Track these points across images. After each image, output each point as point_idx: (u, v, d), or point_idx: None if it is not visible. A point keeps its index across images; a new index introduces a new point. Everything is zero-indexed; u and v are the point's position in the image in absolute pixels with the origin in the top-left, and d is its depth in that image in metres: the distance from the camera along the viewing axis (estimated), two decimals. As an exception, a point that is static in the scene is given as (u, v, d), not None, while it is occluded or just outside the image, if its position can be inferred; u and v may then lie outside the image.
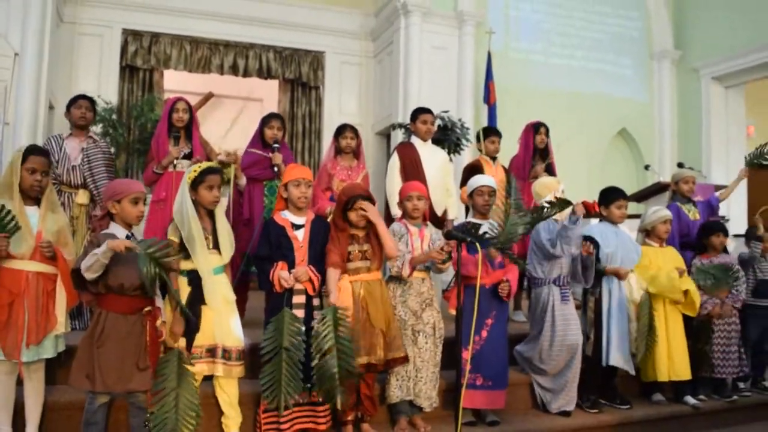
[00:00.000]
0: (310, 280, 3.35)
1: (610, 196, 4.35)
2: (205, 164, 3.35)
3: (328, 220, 3.68)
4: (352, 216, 3.45)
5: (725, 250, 4.83)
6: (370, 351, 3.37)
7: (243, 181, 4.54)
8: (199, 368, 3.18)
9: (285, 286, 3.31)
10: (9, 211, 2.94)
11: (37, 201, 3.16)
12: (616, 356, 4.14)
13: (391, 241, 3.50)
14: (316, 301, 3.42)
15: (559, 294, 3.99)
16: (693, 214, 5.20)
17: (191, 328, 3.17)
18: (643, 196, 6.58)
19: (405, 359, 3.51)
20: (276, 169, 4.49)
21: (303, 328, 3.31)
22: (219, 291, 3.26)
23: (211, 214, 3.34)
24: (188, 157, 4.40)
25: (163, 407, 2.96)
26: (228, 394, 3.31)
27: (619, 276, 4.22)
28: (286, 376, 3.19)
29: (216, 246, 3.29)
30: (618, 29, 9.12)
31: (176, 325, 3.12)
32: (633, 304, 4.26)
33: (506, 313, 4.02)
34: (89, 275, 2.81)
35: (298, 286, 3.35)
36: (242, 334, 3.36)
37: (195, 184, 3.25)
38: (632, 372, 4.21)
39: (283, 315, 3.25)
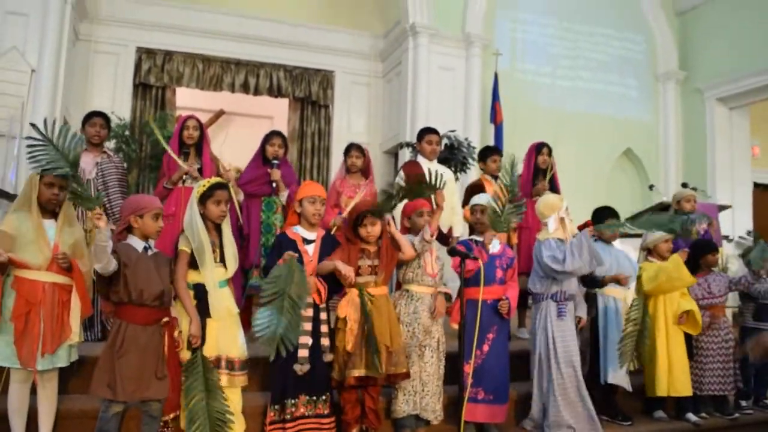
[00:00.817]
0: (318, 291, 3.42)
1: (600, 215, 4.40)
2: (214, 180, 3.46)
3: (332, 231, 3.77)
4: (362, 232, 3.55)
5: (724, 270, 4.89)
6: (370, 364, 3.42)
7: (240, 196, 4.65)
8: None
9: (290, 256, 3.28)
10: None
11: (54, 214, 3.24)
12: (615, 374, 4.18)
13: (408, 244, 3.62)
14: (323, 315, 3.50)
15: (556, 309, 3.99)
16: (694, 233, 5.26)
17: (194, 359, 3.24)
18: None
19: (406, 375, 3.58)
20: (274, 185, 4.61)
21: (310, 340, 3.39)
22: (223, 303, 3.35)
23: (218, 229, 3.43)
24: (199, 173, 4.50)
25: (195, 408, 3.09)
26: (231, 402, 3.37)
27: (620, 282, 4.23)
28: (286, 322, 3.00)
29: (222, 260, 3.39)
30: (623, 51, 9.23)
31: (194, 327, 3.20)
32: (631, 322, 4.31)
33: (508, 329, 4.07)
34: (95, 264, 2.92)
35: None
36: (245, 346, 3.44)
37: (203, 199, 3.33)
38: (629, 389, 4.25)
39: (293, 262, 3.20)
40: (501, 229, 3.87)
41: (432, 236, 3.68)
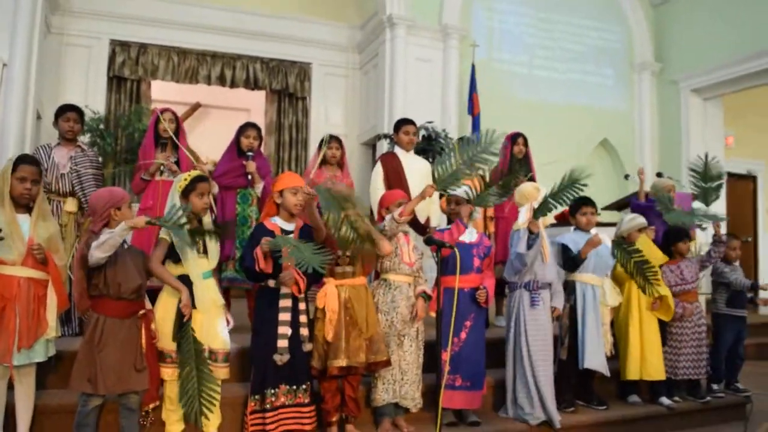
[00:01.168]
0: (296, 283, 3.43)
1: (576, 203, 4.46)
2: (194, 172, 3.47)
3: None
4: (324, 216, 3.56)
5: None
6: (352, 354, 3.46)
7: (215, 189, 4.62)
8: None
9: (264, 249, 3.31)
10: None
11: (28, 209, 3.22)
12: (592, 359, 4.24)
13: (384, 241, 3.62)
14: (302, 305, 3.51)
15: (529, 298, 4.06)
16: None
17: (185, 331, 3.26)
18: (622, 204, 6.71)
19: (387, 363, 3.61)
20: (249, 177, 4.59)
21: (290, 331, 3.40)
22: (208, 295, 3.37)
23: (199, 221, 3.43)
24: (176, 165, 4.49)
25: (187, 379, 3.19)
26: None
27: (593, 244, 4.26)
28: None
29: (205, 251, 3.40)
30: (599, 42, 9.31)
31: (184, 296, 3.23)
32: (607, 309, 4.38)
33: (485, 316, 4.13)
34: (98, 254, 2.91)
35: (284, 290, 3.44)
36: (228, 338, 3.45)
37: (186, 192, 3.35)
38: (607, 374, 4.33)
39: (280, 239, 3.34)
40: (483, 204, 3.98)
41: (401, 217, 3.67)
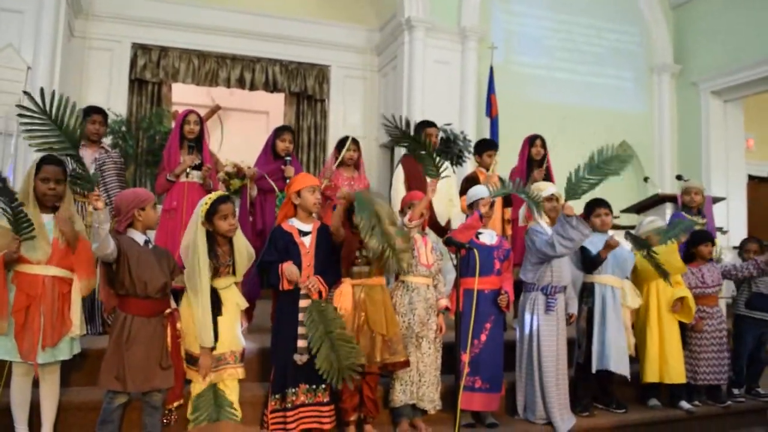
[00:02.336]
0: (319, 292, 3.47)
1: (590, 206, 4.48)
2: (214, 195, 3.43)
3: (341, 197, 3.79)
4: (356, 219, 3.57)
5: (718, 260, 4.94)
6: (365, 353, 3.47)
7: (254, 192, 4.67)
8: (218, 375, 3.36)
9: (291, 280, 3.42)
10: (26, 216, 3.03)
11: (53, 209, 3.27)
12: (618, 363, 4.20)
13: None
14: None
15: (544, 303, 4.04)
16: (700, 226, 5.31)
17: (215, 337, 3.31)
18: (642, 207, 6.66)
19: (406, 363, 3.62)
20: (288, 181, 4.61)
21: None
22: (233, 299, 3.46)
23: (230, 240, 3.45)
24: (199, 167, 4.53)
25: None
26: (230, 389, 3.43)
27: (611, 245, 4.22)
28: (341, 355, 3.29)
29: (233, 271, 3.46)
30: (618, 44, 9.27)
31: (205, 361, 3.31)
32: (628, 310, 4.36)
33: (504, 318, 4.12)
34: (95, 248, 2.98)
35: (304, 291, 3.48)
36: (242, 338, 3.53)
37: (209, 216, 3.33)
38: (628, 377, 4.31)
39: (312, 308, 3.41)
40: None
41: (410, 222, 3.69)
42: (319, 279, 3.48)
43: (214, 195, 3.44)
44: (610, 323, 4.26)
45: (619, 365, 4.22)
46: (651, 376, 4.46)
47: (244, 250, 3.49)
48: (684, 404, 4.54)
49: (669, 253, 4.41)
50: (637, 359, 4.52)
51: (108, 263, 3.09)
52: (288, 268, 3.44)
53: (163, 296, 3.18)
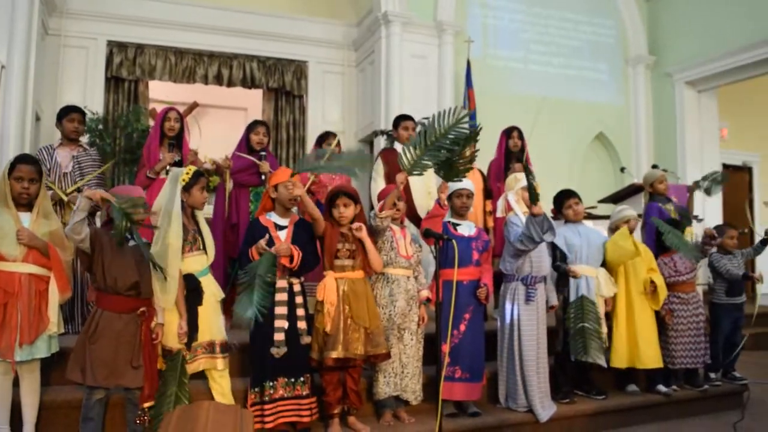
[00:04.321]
0: (290, 257, 3.47)
1: (560, 198, 4.57)
2: (192, 167, 3.53)
3: (309, 186, 3.81)
4: (335, 213, 3.61)
5: None
6: (349, 346, 3.50)
7: (230, 185, 4.68)
8: (197, 364, 3.39)
9: (260, 250, 3.41)
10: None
11: (30, 207, 3.28)
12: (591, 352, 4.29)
13: (377, 257, 3.66)
14: (299, 299, 3.57)
15: (525, 293, 4.09)
16: (673, 212, 5.39)
17: (192, 326, 3.33)
18: (619, 197, 6.77)
19: (387, 356, 3.66)
20: (263, 176, 4.63)
21: (287, 324, 3.47)
22: (209, 289, 3.47)
23: (193, 217, 3.50)
24: (179, 164, 4.53)
25: (163, 406, 3.21)
26: (221, 385, 3.46)
27: (573, 276, 4.35)
28: (260, 294, 3.24)
29: (203, 247, 3.46)
30: (594, 36, 9.34)
31: (183, 325, 3.30)
32: (602, 299, 4.42)
33: (484, 309, 4.17)
34: (76, 237, 3.02)
35: (280, 284, 3.50)
36: (225, 329, 3.58)
37: (188, 186, 3.41)
38: (604, 365, 4.38)
39: (266, 254, 3.39)
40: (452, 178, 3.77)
41: (380, 211, 3.63)
42: (293, 246, 3.48)
43: (191, 167, 3.53)
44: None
45: (594, 355, 4.28)
46: (618, 361, 4.49)
47: (208, 232, 3.54)
48: (661, 388, 4.63)
49: (622, 236, 4.49)
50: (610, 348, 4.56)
51: (85, 253, 3.11)
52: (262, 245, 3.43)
53: (136, 294, 3.18)
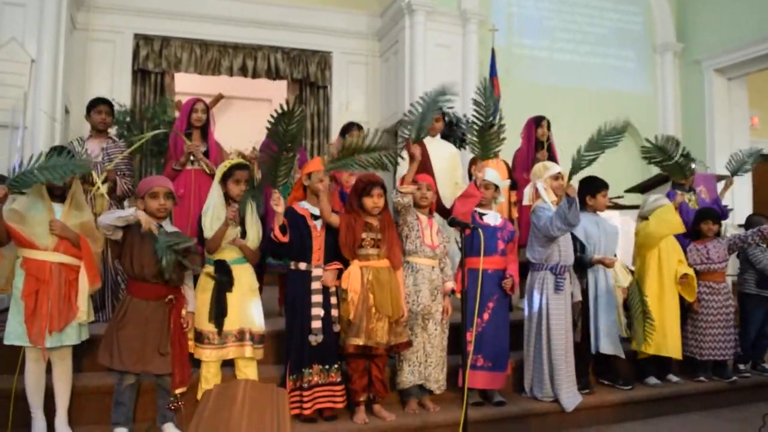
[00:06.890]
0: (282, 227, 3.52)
1: (596, 185, 4.47)
2: (235, 160, 3.64)
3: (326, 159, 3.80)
4: (369, 202, 3.61)
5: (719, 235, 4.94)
6: (371, 334, 3.52)
7: (259, 175, 4.71)
8: (227, 351, 3.45)
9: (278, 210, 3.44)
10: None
11: (63, 199, 3.34)
12: (605, 343, 4.28)
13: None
14: (333, 288, 3.62)
15: (554, 282, 4.07)
16: (693, 202, 5.32)
17: (220, 312, 3.39)
18: (646, 186, 6.67)
19: (408, 344, 3.68)
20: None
21: (322, 312, 3.53)
22: (244, 279, 3.54)
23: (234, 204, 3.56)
24: (205, 155, 4.60)
25: None
26: (246, 374, 3.51)
27: (605, 265, 4.33)
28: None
29: (243, 236, 3.53)
30: (620, 23, 9.21)
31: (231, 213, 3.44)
32: (620, 290, 4.38)
33: (508, 298, 4.16)
34: (107, 232, 3.15)
35: (316, 273, 3.55)
36: (263, 321, 3.62)
37: (224, 178, 3.53)
38: (622, 356, 4.35)
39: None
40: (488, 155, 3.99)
41: (401, 185, 3.73)
42: (331, 269, 3.58)
43: (235, 160, 3.68)
44: (601, 306, 4.32)
45: (612, 347, 4.29)
46: (648, 347, 4.42)
47: (253, 223, 3.60)
48: (672, 377, 4.67)
49: (668, 210, 4.44)
50: (629, 339, 4.50)
51: (116, 242, 3.21)
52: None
53: (165, 282, 3.23)
